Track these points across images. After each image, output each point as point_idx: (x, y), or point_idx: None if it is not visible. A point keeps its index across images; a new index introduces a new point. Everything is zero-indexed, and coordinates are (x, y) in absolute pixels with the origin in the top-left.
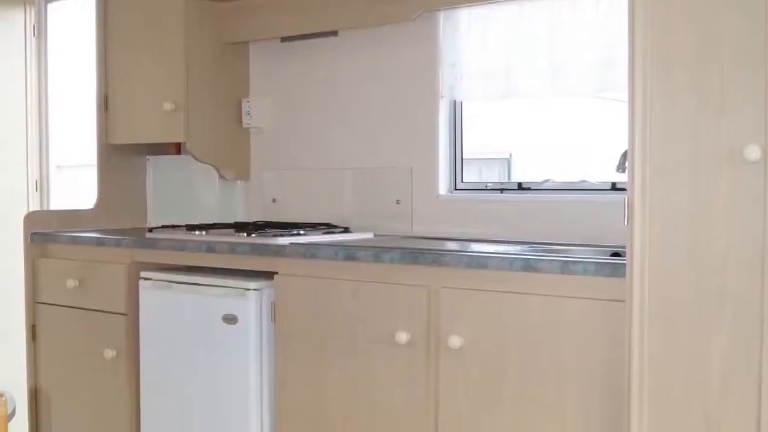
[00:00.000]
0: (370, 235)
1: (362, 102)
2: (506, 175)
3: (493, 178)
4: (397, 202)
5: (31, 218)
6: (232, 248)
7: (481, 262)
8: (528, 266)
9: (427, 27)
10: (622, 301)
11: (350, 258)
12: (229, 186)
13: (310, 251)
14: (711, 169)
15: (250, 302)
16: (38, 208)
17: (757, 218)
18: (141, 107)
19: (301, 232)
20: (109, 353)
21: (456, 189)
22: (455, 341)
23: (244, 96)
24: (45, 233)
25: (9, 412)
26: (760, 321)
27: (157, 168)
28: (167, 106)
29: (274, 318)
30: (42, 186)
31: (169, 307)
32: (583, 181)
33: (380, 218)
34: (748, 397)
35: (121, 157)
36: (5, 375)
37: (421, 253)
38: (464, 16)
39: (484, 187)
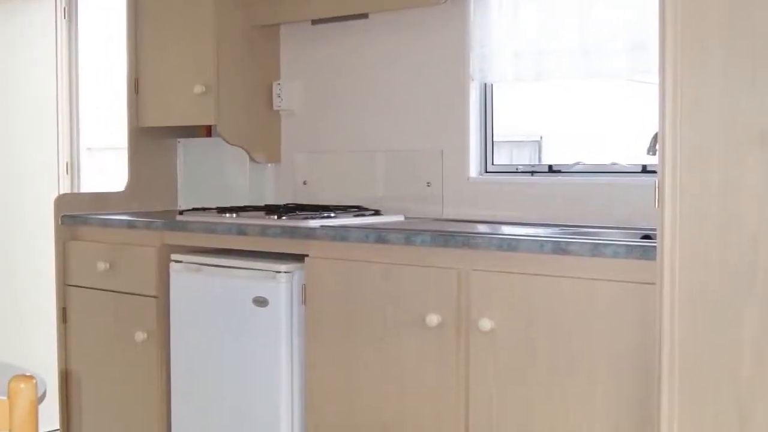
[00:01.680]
0: (400, 218)
1: (393, 84)
2: (537, 158)
3: (523, 161)
4: (428, 184)
5: (61, 201)
6: (263, 231)
7: (511, 245)
8: (558, 249)
9: (457, 9)
10: (653, 283)
11: (381, 241)
12: (260, 168)
13: (341, 234)
14: (741, 150)
15: (280, 285)
16: (69, 191)
17: None
18: (172, 90)
19: (332, 214)
20: (140, 336)
21: (486, 172)
22: (486, 324)
23: (275, 78)
24: (75, 216)
25: (39, 395)
26: None
27: (187, 151)
28: (198, 88)
29: (304, 300)
30: (72, 168)
31: (199, 290)
32: (614, 164)
33: (411, 201)
34: None
35: (151, 140)
36: (36, 357)
37: (451, 236)
38: None
39: (515, 170)
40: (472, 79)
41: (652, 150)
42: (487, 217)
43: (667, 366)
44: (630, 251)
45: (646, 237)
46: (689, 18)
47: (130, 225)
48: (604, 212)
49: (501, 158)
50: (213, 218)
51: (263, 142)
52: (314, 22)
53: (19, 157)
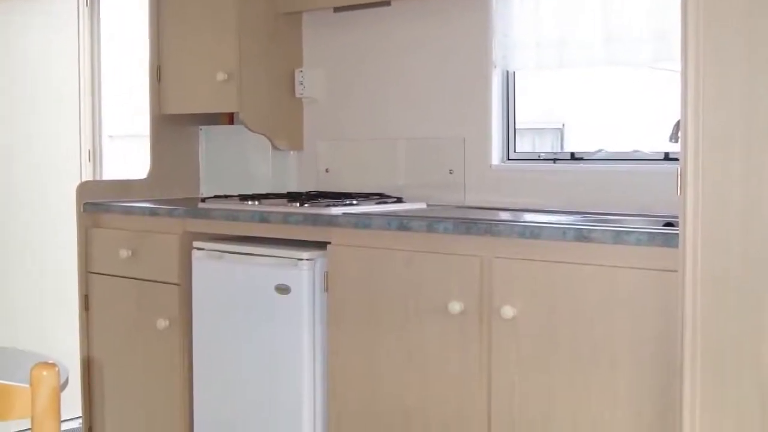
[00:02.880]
0: (422, 205)
1: (415, 72)
2: (559, 145)
3: (545, 148)
4: (450, 172)
5: (83, 188)
6: (285, 218)
7: (533, 232)
8: (581, 236)
9: None
10: (675, 270)
11: (403, 228)
12: (282, 156)
13: (363, 221)
14: (764, 138)
15: (302, 272)
16: (91, 178)
17: None
18: (194, 77)
19: (354, 202)
20: (162, 323)
21: (509, 159)
22: (508, 311)
23: (297, 66)
24: (98, 203)
25: (62, 382)
26: None
27: (209, 138)
28: (220, 76)
29: (326, 288)
30: (94, 156)
31: (221, 278)
32: (636, 151)
33: (433, 188)
34: None
35: (173, 127)
36: (58, 345)
37: (474, 223)
38: None
39: (537, 157)
40: (495, 67)
41: (674, 137)
42: (509, 204)
43: (689, 353)
44: (652, 238)
45: (669, 224)
46: (711, 6)
47: (153, 212)
48: (626, 199)
49: (523, 145)
50: (235, 206)
51: (285, 129)
52: (336, 9)
53: (42, 145)
